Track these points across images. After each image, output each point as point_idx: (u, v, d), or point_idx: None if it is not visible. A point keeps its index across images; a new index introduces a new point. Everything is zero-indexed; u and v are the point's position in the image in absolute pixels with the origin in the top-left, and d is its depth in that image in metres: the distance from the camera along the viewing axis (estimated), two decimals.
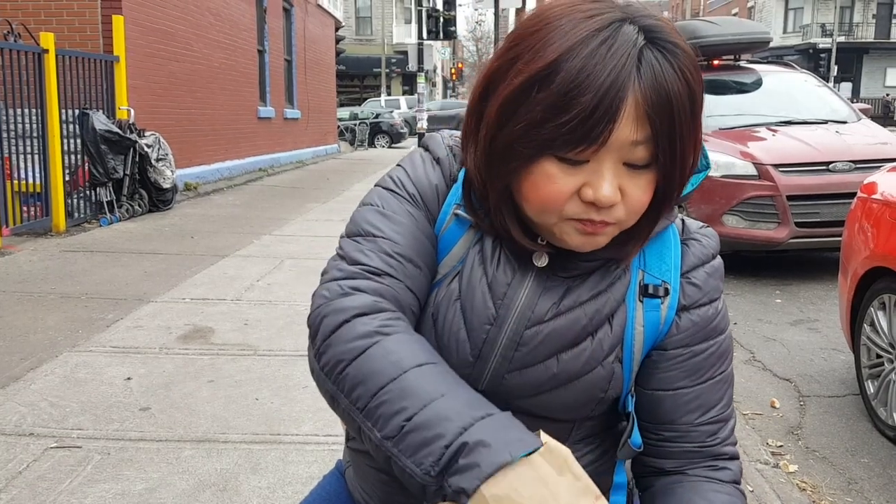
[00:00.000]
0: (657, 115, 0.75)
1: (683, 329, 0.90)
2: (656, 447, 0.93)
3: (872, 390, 3.16)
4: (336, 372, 0.77)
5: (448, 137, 0.96)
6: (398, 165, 0.95)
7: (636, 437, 0.94)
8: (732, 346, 0.96)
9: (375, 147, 24.62)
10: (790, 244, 5.55)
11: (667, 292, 0.90)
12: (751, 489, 2.50)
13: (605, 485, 0.99)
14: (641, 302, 0.89)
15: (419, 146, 0.98)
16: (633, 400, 0.94)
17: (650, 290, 0.89)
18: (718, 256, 0.95)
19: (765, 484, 2.54)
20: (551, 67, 0.75)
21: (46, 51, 6.72)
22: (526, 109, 0.77)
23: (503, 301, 0.88)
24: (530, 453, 0.67)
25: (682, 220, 0.95)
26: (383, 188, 0.92)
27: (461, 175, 0.92)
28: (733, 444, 0.94)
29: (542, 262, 0.88)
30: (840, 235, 3.58)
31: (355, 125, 24.64)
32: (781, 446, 2.95)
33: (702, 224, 0.97)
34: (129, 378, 3.33)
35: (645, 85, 0.75)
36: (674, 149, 0.78)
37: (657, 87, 0.75)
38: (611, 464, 0.99)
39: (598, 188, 0.77)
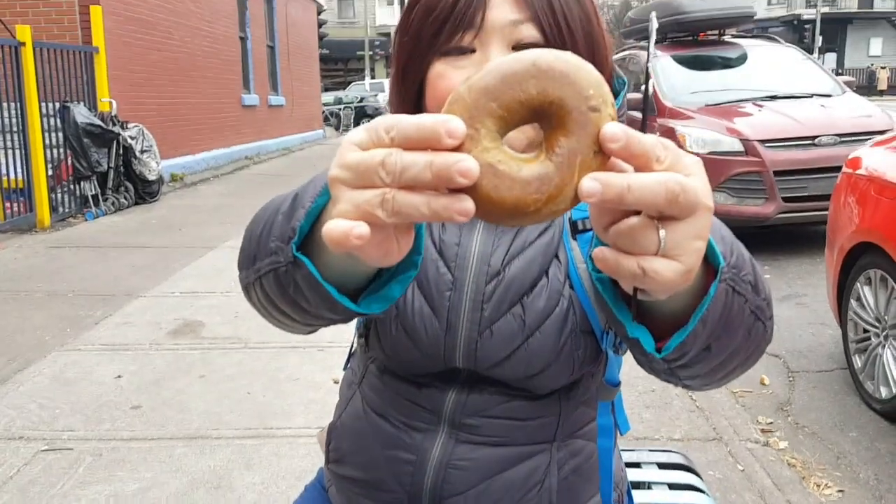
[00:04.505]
0: None
1: None
2: None
3: (860, 364, 3.19)
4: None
5: None
6: None
7: (612, 373, 0.92)
8: None
9: None
10: (778, 219, 5.56)
11: None
12: (741, 468, 2.52)
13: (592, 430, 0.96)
14: (575, 240, 0.87)
15: None
16: (608, 338, 0.90)
17: (580, 227, 0.87)
18: None
19: (755, 463, 2.56)
20: None
21: (23, 43, 6.62)
22: (409, 28, 0.81)
23: (456, 262, 0.87)
24: None
25: None
26: None
27: None
28: None
29: None
30: (827, 210, 3.59)
31: (340, 110, 24.47)
32: (771, 423, 2.98)
33: None
34: (119, 376, 3.31)
35: None
36: (559, 25, 0.77)
37: None
38: (593, 406, 0.94)
39: None
